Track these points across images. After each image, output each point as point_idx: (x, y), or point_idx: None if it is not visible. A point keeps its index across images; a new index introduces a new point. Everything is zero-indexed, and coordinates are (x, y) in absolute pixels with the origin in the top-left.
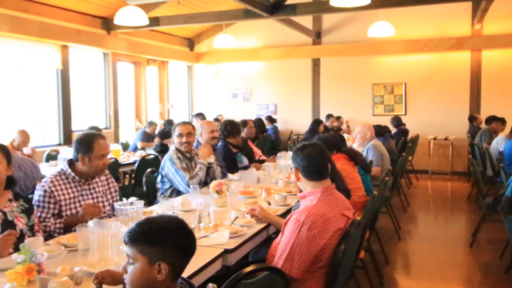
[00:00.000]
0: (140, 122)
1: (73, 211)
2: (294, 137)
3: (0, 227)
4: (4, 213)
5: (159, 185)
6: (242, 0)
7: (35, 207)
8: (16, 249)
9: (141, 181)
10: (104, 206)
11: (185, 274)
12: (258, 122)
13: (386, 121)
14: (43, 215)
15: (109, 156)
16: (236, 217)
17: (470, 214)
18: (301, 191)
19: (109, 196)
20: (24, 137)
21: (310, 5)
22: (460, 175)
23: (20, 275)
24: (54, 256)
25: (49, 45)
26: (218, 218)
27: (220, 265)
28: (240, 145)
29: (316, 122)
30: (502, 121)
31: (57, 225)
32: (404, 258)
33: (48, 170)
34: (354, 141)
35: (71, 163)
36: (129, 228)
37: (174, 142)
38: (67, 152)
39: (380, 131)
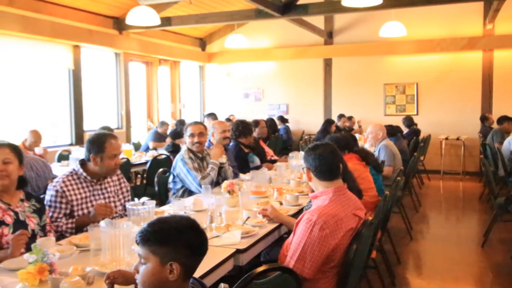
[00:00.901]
0: (152, 122)
1: (85, 211)
2: (306, 137)
3: (12, 227)
4: (16, 213)
5: (170, 185)
6: (254, 0)
7: (47, 207)
8: (28, 249)
9: (153, 181)
10: (116, 206)
11: (197, 274)
12: (270, 122)
13: (398, 121)
14: (55, 215)
15: (121, 156)
16: (248, 217)
17: (481, 214)
18: (312, 191)
19: (120, 196)
20: (36, 137)
21: (322, 5)
22: (472, 175)
23: (32, 275)
24: (66, 256)
25: (61, 45)
26: (229, 218)
27: (232, 265)
28: (252, 145)
29: (328, 122)
30: None
31: (69, 225)
32: (415, 258)
33: (60, 170)
34: (365, 141)
35: (83, 163)
36: (141, 228)
37: (185, 142)
38: (79, 152)
39: (392, 131)
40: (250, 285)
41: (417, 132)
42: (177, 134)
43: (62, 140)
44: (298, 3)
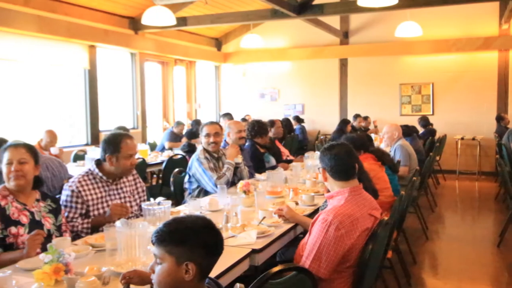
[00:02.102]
0: (168, 122)
1: (101, 211)
2: (322, 137)
3: (28, 227)
4: (32, 213)
5: (186, 185)
6: (270, 0)
7: (62, 207)
8: (44, 249)
9: (168, 181)
10: (131, 206)
11: (213, 274)
12: (286, 122)
13: (413, 121)
14: (71, 215)
15: (136, 156)
16: (264, 217)
17: (497, 214)
18: (328, 191)
19: (136, 196)
20: (52, 137)
21: (338, 5)
22: (487, 175)
23: (47, 275)
24: (82, 256)
25: (77, 45)
26: (245, 218)
27: (248, 265)
28: (268, 145)
29: (344, 122)
30: None
31: (85, 225)
32: (431, 258)
33: (75, 170)
34: (381, 141)
35: (98, 163)
36: (157, 228)
37: (201, 142)
38: (95, 152)
39: (407, 131)
40: (265, 285)
41: (433, 132)
42: (193, 134)
43: (78, 140)
44: (314, 3)
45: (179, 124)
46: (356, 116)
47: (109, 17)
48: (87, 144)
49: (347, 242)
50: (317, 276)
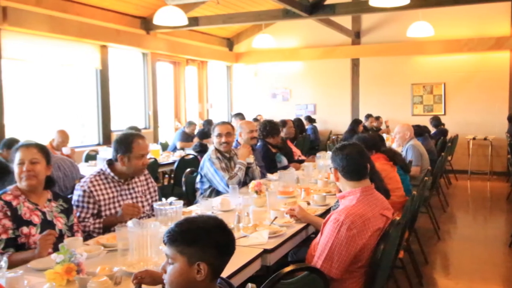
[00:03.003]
0: (179, 122)
1: (112, 211)
2: (333, 137)
3: (40, 227)
4: (44, 213)
5: (198, 185)
6: (282, 0)
7: (74, 207)
8: (56, 249)
9: (180, 181)
10: (143, 206)
11: (225, 274)
12: (297, 122)
13: (425, 121)
14: (82, 215)
15: (148, 156)
16: (275, 217)
17: (509, 214)
18: (340, 191)
19: (148, 196)
20: (64, 137)
21: (350, 5)
22: (499, 175)
23: (59, 275)
24: (93, 256)
25: (89, 45)
26: (257, 218)
27: (260, 265)
28: (279, 145)
29: (356, 122)
30: None
31: (96, 225)
32: (443, 258)
33: (87, 170)
34: (393, 141)
35: (110, 163)
36: (168, 228)
37: (213, 142)
38: (106, 152)
39: (419, 131)
40: (277, 285)
41: (445, 132)
42: (205, 134)
43: (90, 140)
44: (326, 3)
45: (190, 124)
46: (368, 116)
47: (121, 17)
48: (98, 144)
49: (359, 242)
50: (329, 276)
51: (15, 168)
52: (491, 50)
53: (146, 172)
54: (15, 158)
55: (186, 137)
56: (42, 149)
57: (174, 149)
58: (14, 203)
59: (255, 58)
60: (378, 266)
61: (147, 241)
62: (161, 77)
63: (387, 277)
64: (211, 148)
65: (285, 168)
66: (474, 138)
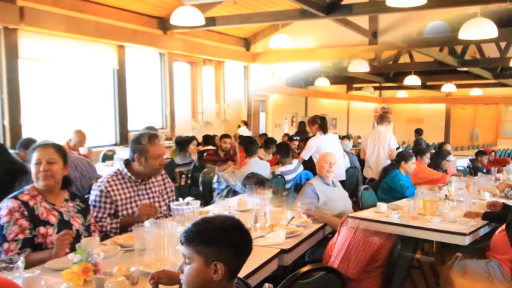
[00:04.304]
0: (196, 122)
1: (129, 211)
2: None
3: (57, 227)
4: (61, 213)
5: (215, 185)
6: (299, 0)
7: (91, 207)
8: (73, 249)
9: (197, 181)
10: (160, 206)
11: (242, 274)
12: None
13: None
14: (100, 215)
15: (165, 156)
16: (292, 217)
17: None
18: None
19: (165, 196)
20: (81, 137)
21: (366, 5)
22: None
23: (76, 275)
24: (111, 256)
25: (106, 45)
26: (274, 218)
27: (276, 265)
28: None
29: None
30: None
31: (113, 225)
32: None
33: (104, 170)
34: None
35: (127, 163)
36: (186, 228)
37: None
38: (123, 152)
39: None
40: (294, 285)
41: None
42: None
43: (107, 140)
44: (343, 3)
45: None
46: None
47: (138, 17)
48: (115, 144)
49: (375, 242)
50: (346, 276)
51: (32, 168)
52: None
53: (163, 172)
54: (32, 158)
55: None
56: (59, 149)
57: None
58: (31, 203)
59: (272, 58)
60: (395, 266)
61: (164, 241)
62: (178, 77)
63: (404, 277)
64: None
65: None
66: None
